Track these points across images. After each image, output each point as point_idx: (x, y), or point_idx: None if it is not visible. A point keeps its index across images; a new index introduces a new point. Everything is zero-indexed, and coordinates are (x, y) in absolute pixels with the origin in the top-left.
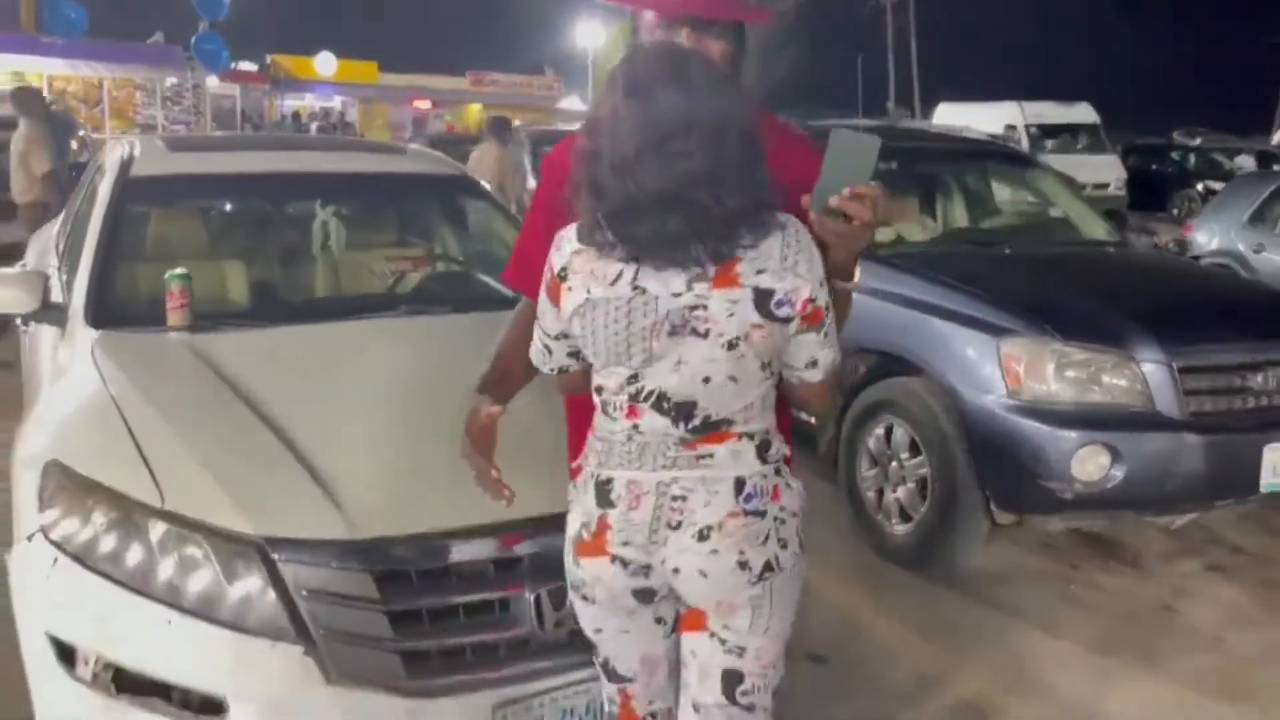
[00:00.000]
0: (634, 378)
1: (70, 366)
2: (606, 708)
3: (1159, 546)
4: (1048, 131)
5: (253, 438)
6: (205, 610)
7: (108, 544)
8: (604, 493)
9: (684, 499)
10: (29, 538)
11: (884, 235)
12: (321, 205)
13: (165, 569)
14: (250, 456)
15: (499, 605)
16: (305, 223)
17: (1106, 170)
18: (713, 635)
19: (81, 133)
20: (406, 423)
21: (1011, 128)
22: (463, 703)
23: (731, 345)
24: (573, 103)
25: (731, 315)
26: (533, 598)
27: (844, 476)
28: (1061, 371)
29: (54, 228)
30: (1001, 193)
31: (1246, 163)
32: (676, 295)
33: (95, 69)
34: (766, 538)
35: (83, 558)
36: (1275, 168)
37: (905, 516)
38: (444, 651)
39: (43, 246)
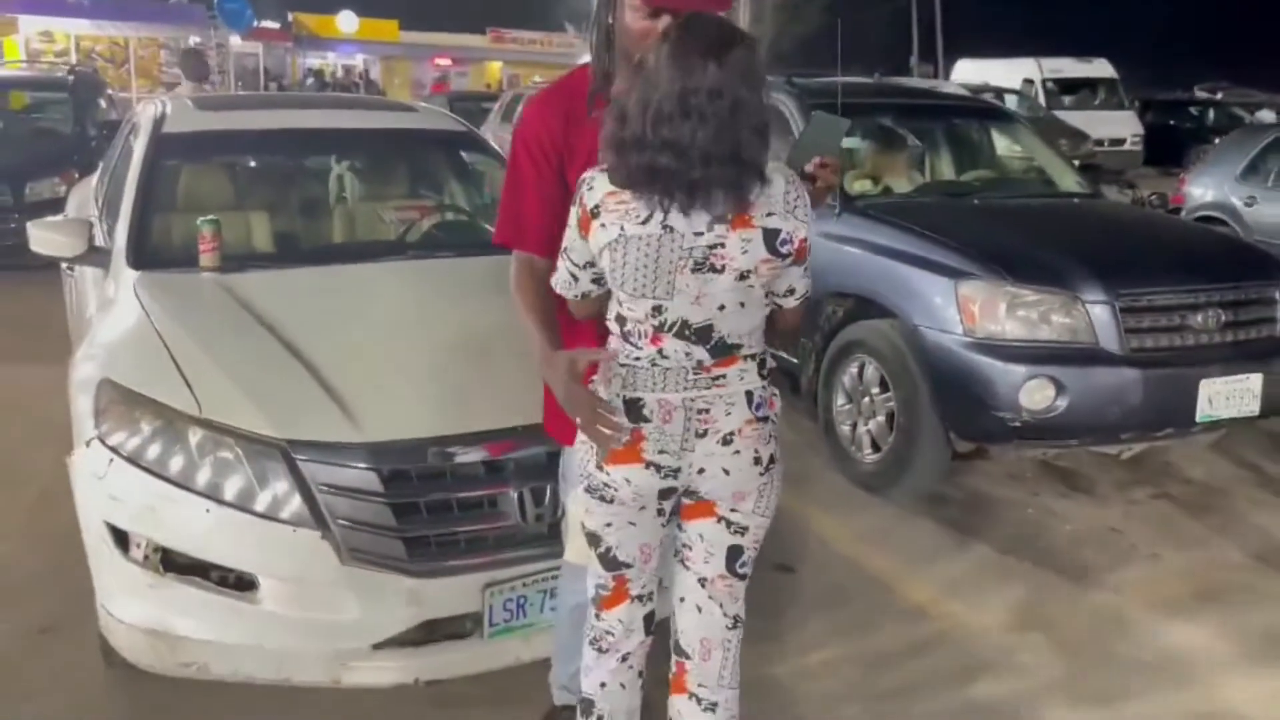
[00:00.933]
0: (659, 309)
1: (116, 302)
2: (593, 593)
3: (1115, 476)
4: (1065, 87)
5: (276, 358)
6: (238, 501)
7: (154, 447)
8: (635, 409)
9: (707, 411)
10: (87, 443)
11: (868, 187)
12: (337, 159)
13: (203, 467)
14: (274, 373)
15: (488, 501)
16: (322, 175)
17: (1123, 125)
18: (719, 519)
19: (109, 91)
20: (409, 346)
21: (1029, 82)
22: (456, 582)
23: (743, 277)
24: None
25: (745, 252)
26: (517, 495)
27: (821, 411)
28: (1013, 311)
29: (92, 181)
30: (980, 147)
31: (1268, 117)
32: (699, 234)
33: (121, 29)
34: (770, 437)
35: (134, 458)
36: None
37: (875, 447)
38: (440, 539)
39: (82, 199)
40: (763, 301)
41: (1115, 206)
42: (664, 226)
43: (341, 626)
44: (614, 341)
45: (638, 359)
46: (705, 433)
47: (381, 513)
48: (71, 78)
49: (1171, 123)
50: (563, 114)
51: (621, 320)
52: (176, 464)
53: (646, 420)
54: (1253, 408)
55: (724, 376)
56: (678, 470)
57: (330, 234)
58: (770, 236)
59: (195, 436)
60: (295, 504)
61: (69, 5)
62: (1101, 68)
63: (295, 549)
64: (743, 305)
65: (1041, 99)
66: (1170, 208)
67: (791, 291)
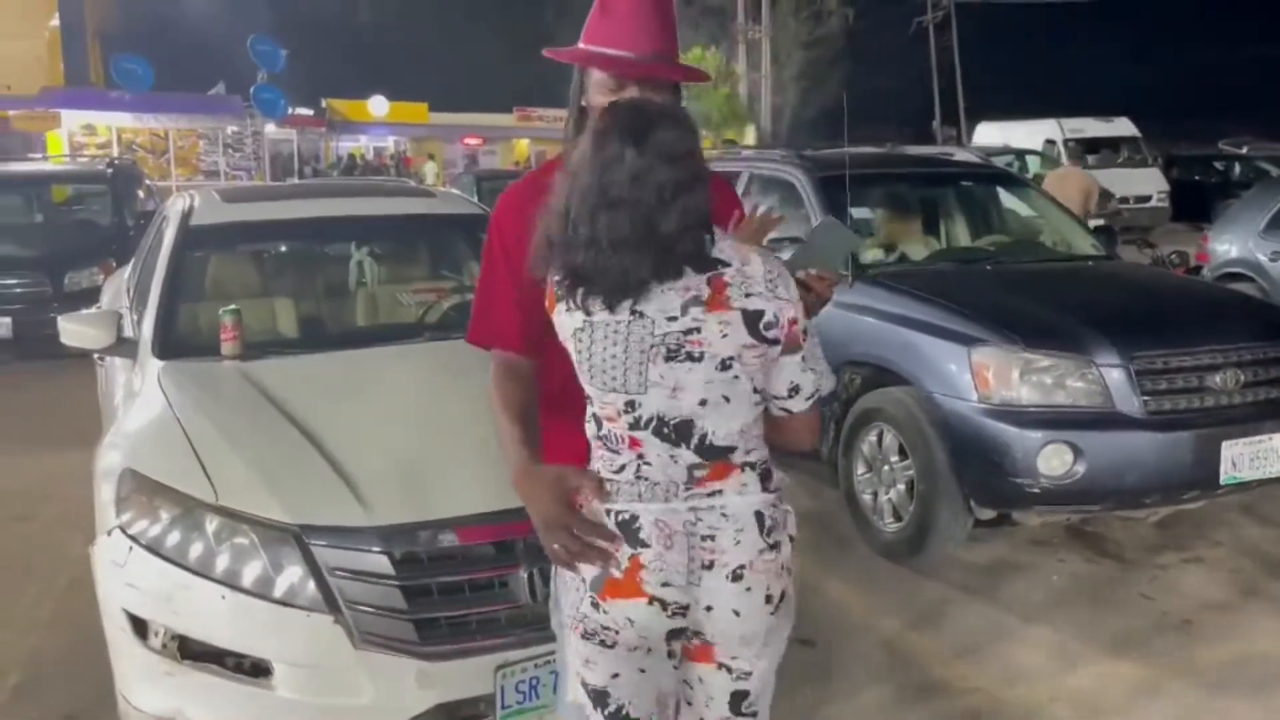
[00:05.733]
0: (631, 404)
1: (141, 391)
2: None
3: (1143, 541)
4: (1088, 146)
5: (291, 444)
6: (253, 587)
7: (173, 534)
8: (631, 531)
9: (712, 538)
10: (109, 532)
11: (881, 255)
12: (357, 246)
13: (220, 554)
14: (289, 460)
15: (498, 582)
16: (343, 261)
17: (1147, 183)
18: (721, 666)
19: (147, 182)
20: (422, 428)
21: (1051, 143)
22: (468, 664)
23: (725, 366)
24: None
25: (725, 336)
26: (526, 575)
27: (842, 480)
28: (1027, 376)
29: (125, 271)
30: (993, 212)
31: None
32: (672, 319)
33: (161, 120)
34: (783, 569)
35: (152, 546)
36: None
37: (897, 515)
38: (451, 621)
39: (116, 289)
40: (752, 398)
41: (1129, 268)
42: (633, 312)
43: (356, 711)
44: (594, 451)
45: (621, 468)
46: (712, 565)
47: (393, 595)
48: (110, 170)
49: (1197, 178)
50: (535, 203)
51: (597, 422)
52: (194, 551)
53: (645, 545)
54: (1279, 468)
55: (720, 491)
56: (686, 608)
57: (350, 319)
58: (752, 319)
59: (212, 524)
60: (308, 589)
61: (111, 99)
62: (1123, 126)
63: (309, 634)
64: (727, 400)
65: (1064, 159)
66: (1194, 265)
67: (795, 390)
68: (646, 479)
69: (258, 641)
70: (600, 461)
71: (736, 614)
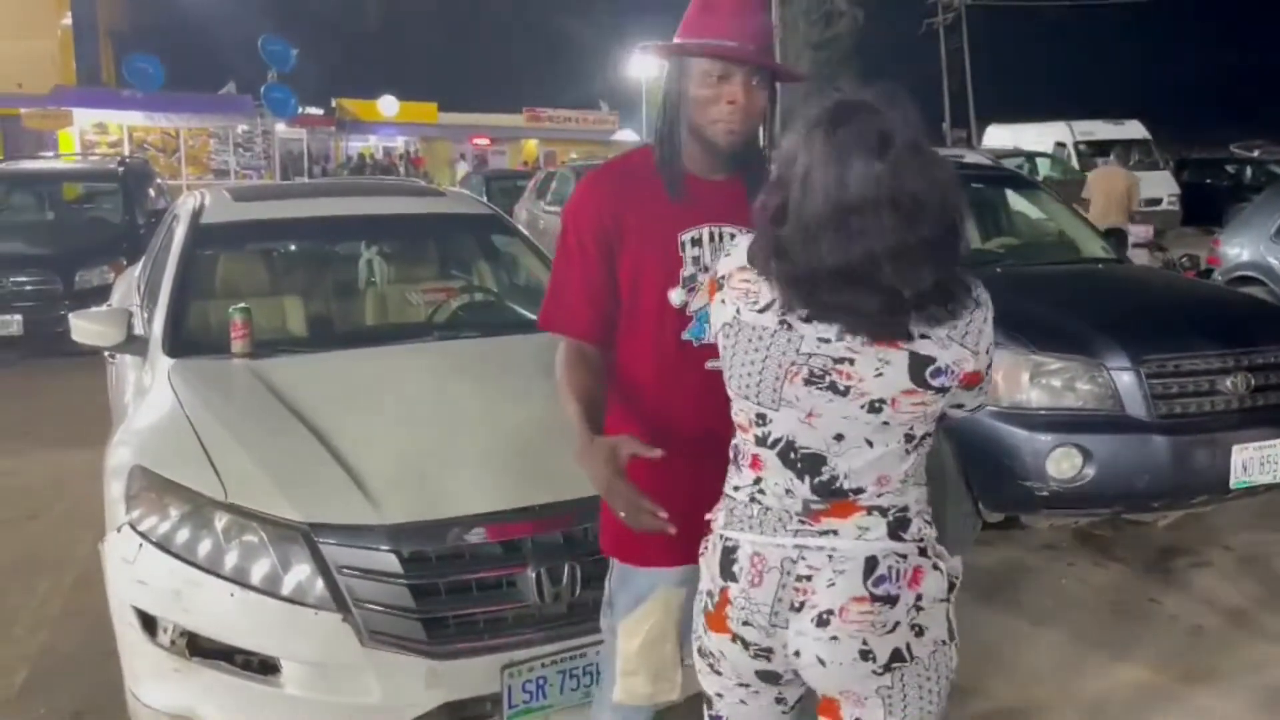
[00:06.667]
0: (762, 418)
1: (151, 388)
2: None
3: (1153, 545)
4: (1098, 149)
5: (300, 442)
6: (261, 585)
7: (182, 531)
8: (728, 562)
9: (809, 578)
10: (118, 529)
11: None
12: (366, 245)
13: (228, 551)
14: (298, 457)
15: (506, 581)
16: (352, 260)
17: (1158, 186)
18: None
19: (158, 180)
20: (431, 427)
21: (1061, 145)
22: (475, 663)
23: (874, 408)
24: (627, 135)
25: (880, 375)
26: (534, 575)
27: None
28: (1037, 380)
29: (136, 270)
30: (1003, 214)
31: None
32: (824, 340)
33: (172, 120)
34: (896, 625)
35: (162, 544)
36: None
37: None
38: (459, 620)
39: (126, 287)
40: (903, 447)
41: (1140, 271)
42: (781, 321)
43: (363, 709)
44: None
45: (737, 489)
46: (801, 606)
47: (400, 594)
48: (121, 168)
49: (1209, 181)
50: (615, 194)
51: (734, 430)
52: (203, 548)
53: (734, 579)
54: None
55: (835, 532)
56: (770, 651)
57: (359, 318)
58: (919, 364)
59: (221, 521)
60: (317, 587)
61: (122, 98)
62: (1134, 129)
63: (317, 632)
64: (869, 444)
65: (1074, 162)
66: (1205, 269)
67: (959, 406)
68: (759, 503)
69: (266, 639)
70: (729, 473)
71: (822, 663)
